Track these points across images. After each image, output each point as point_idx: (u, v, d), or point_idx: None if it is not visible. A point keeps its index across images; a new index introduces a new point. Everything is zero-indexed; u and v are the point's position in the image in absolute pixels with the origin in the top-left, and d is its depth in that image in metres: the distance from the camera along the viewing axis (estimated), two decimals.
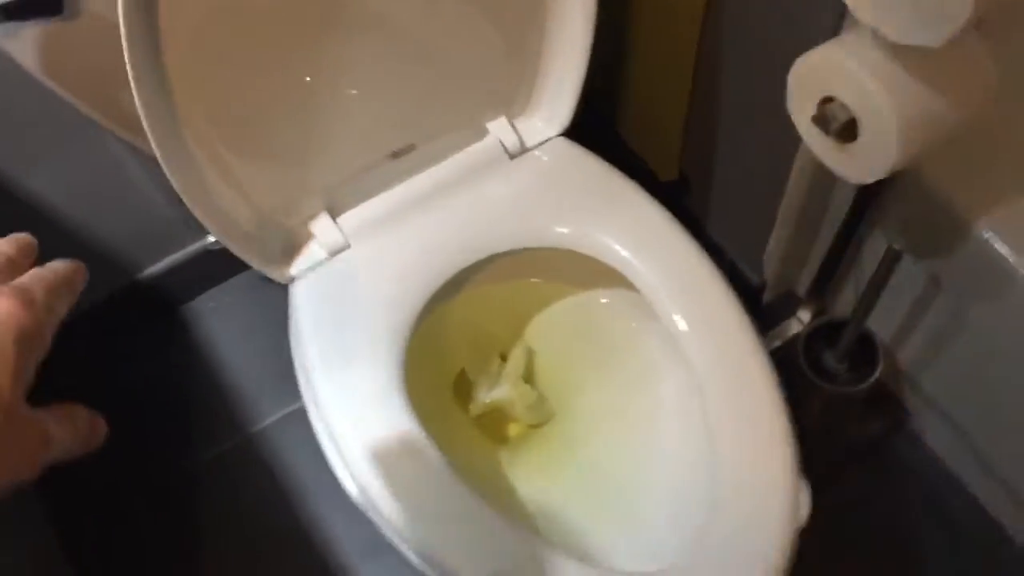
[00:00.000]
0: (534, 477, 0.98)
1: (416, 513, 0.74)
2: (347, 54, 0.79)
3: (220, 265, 1.35)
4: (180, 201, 1.08)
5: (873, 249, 1.08)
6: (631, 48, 1.19)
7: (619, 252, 0.87)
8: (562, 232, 0.89)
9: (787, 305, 1.29)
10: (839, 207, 1.05)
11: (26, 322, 0.36)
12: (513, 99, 0.93)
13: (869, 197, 1.00)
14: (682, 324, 0.85)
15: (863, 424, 1.22)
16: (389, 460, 0.77)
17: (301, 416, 1.29)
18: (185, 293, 1.38)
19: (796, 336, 1.22)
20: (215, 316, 1.38)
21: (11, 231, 0.41)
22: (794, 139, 1.02)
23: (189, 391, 1.33)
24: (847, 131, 0.79)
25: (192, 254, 1.32)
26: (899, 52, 0.74)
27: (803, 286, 1.24)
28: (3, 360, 0.34)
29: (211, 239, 1.14)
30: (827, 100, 0.80)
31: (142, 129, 0.81)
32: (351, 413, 0.80)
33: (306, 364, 0.85)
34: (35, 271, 0.39)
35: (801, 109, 0.84)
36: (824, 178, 1.05)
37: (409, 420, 0.79)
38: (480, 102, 0.91)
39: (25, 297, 0.36)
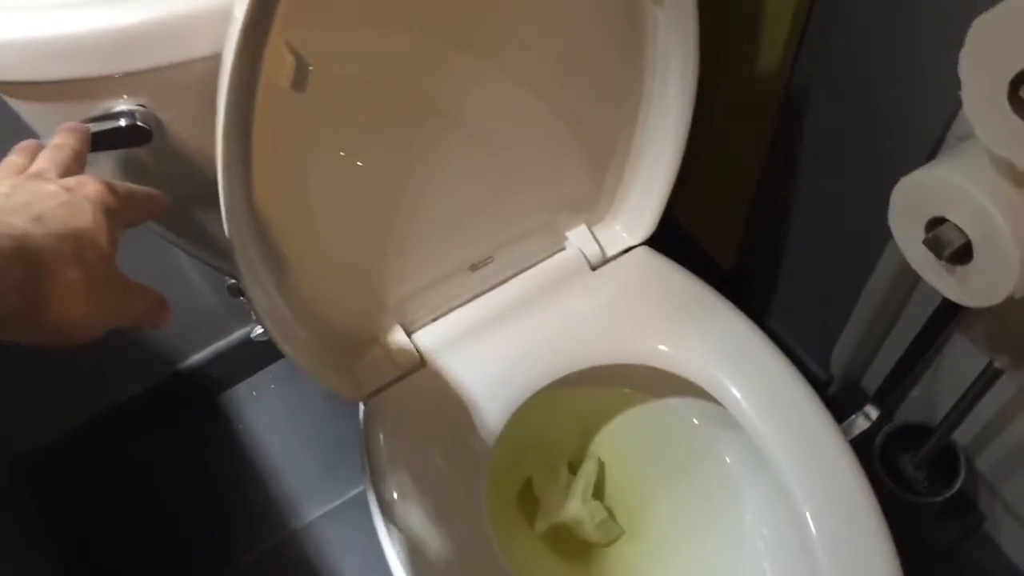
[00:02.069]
0: None
1: None
2: (428, 165, 0.75)
3: (262, 352, 1.31)
4: (224, 290, 1.05)
5: (955, 353, 1.04)
6: (698, 133, 1.16)
7: (708, 371, 0.83)
8: (647, 349, 0.85)
9: (852, 399, 1.24)
10: (921, 311, 1.01)
11: (111, 201, 0.47)
12: (594, 206, 0.89)
13: (952, 304, 0.96)
14: (777, 447, 0.80)
15: (938, 529, 1.17)
16: None
17: (345, 512, 1.25)
18: (225, 381, 1.33)
19: (865, 434, 1.17)
20: (256, 404, 1.34)
21: None
22: (876, 241, 0.99)
23: (229, 484, 1.28)
24: (960, 254, 0.75)
25: (234, 342, 1.28)
26: (1020, 177, 0.70)
27: (873, 384, 1.19)
28: (98, 226, 0.45)
29: (258, 330, 1.11)
30: (936, 221, 0.76)
31: (208, 243, 0.78)
32: (432, 546, 0.75)
33: (379, 489, 0.79)
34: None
35: (905, 226, 0.79)
36: (907, 282, 1.01)
37: (498, 559, 0.74)
38: (560, 209, 0.87)
39: (109, 184, 0.48)
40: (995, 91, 0.63)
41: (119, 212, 0.48)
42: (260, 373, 1.35)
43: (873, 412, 1.20)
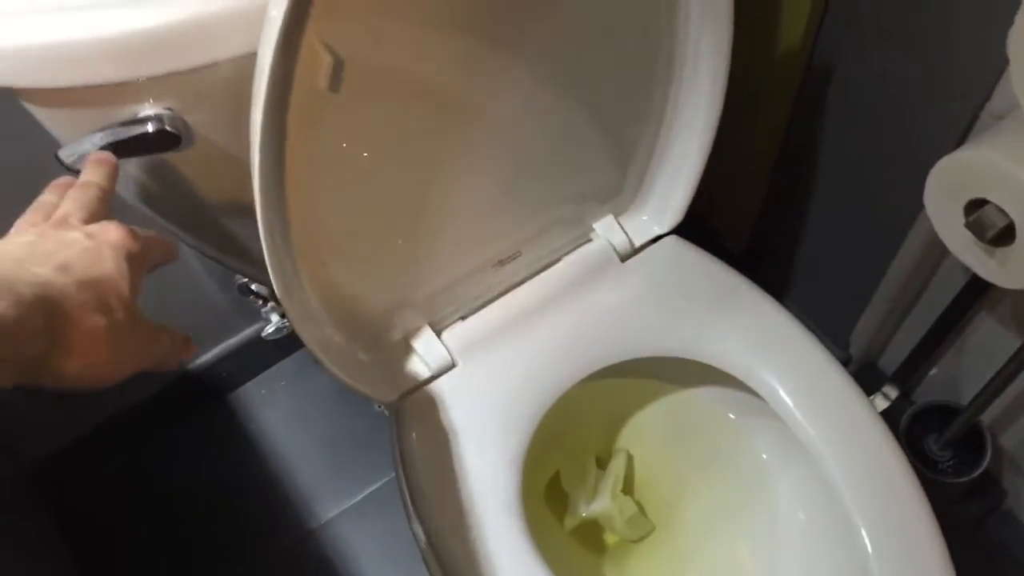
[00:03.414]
0: None
1: None
2: (454, 160, 0.73)
3: (271, 350, 1.29)
4: (232, 288, 1.03)
5: (979, 333, 1.03)
6: None
7: (744, 361, 0.82)
8: (681, 341, 0.83)
9: (870, 379, 1.23)
10: (945, 290, 1.00)
11: (133, 247, 0.48)
12: (620, 195, 0.87)
13: (981, 284, 0.94)
14: (817, 437, 0.79)
15: (961, 507, 1.16)
16: None
17: (362, 509, 1.23)
18: (235, 380, 1.31)
19: (884, 414, 1.16)
20: (267, 402, 1.31)
21: None
22: (901, 222, 0.98)
23: (243, 485, 1.26)
24: (1001, 236, 0.73)
25: (243, 341, 1.25)
26: None
27: (891, 364, 1.18)
28: (120, 272, 0.46)
29: (269, 329, 1.08)
30: (976, 203, 0.75)
31: (232, 246, 0.75)
32: (473, 549, 0.74)
33: (413, 492, 0.78)
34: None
35: (942, 208, 0.78)
36: (932, 262, 1.00)
37: (536, 564, 0.72)
38: (586, 199, 0.85)
39: (130, 230, 0.49)
40: None
41: (140, 257, 0.49)
42: (269, 371, 1.33)
43: (892, 392, 1.20)
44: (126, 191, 0.66)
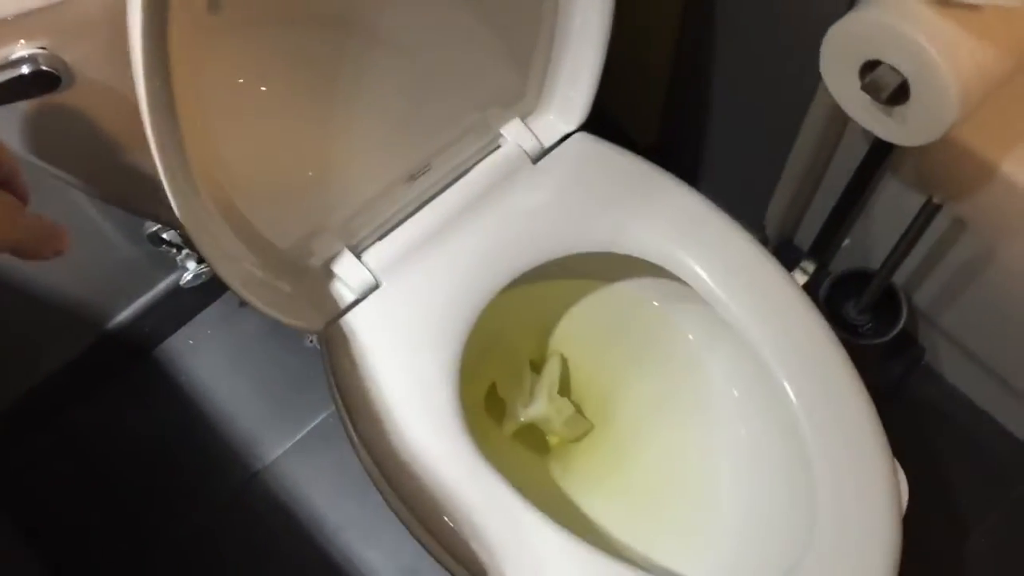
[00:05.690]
0: (585, 489, 0.94)
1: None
2: (350, 79, 0.71)
3: (192, 299, 1.26)
4: (143, 240, 1.00)
5: (885, 197, 1.06)
6: None
7: (666, 249, 0.83)
8: (601, 235, 0.84)
9: (787, 256, 1.26)
10: (849, 159, 1.02)
11: None
12: (524, 96, 0.86)
13: (883, 148, 0.97)
14: (742, 313, 0.81)
15: (883, 369, 1.21)
16: (465, 512, 0.72)
17: (305, 445, 1.23)
18: (159, 334, 1.28)
19: (804, 288, 1.20)
20: (195, 353, 1.29)
21: None
22: (801, 95, 0.99)
23: (183, 438, 1.24)
24: (897, 95, 0.75)
25: (161, 293, 1.22)
26: (948, 9, 0.70)
27: (807, 239, 1.21)
28: None
29: (187, 277, 1.06)
30: (870, 65, 0.76)
31: (135, 188, 0.73)
32: (419, 465, 0.74)
33: (352, 415, 0.78)
34: None
35: (838, 75, 0.80)
36: (835, 133, 1.02)
37: (481, 464, 0.73)
38: (490, 105, 0.84)
39: None
40: None
41: None
42: (194, 320, 1.30)
43: (810, 266, 1.23)
44: (15, 145, 0.63)
